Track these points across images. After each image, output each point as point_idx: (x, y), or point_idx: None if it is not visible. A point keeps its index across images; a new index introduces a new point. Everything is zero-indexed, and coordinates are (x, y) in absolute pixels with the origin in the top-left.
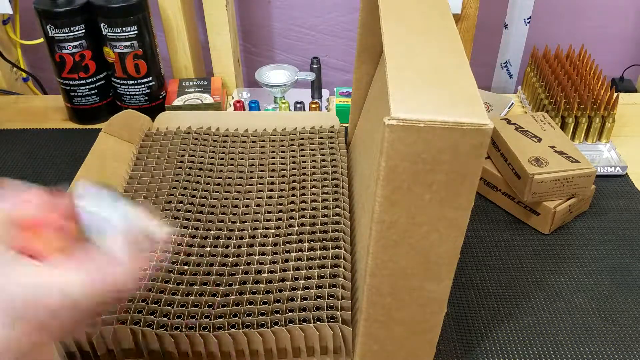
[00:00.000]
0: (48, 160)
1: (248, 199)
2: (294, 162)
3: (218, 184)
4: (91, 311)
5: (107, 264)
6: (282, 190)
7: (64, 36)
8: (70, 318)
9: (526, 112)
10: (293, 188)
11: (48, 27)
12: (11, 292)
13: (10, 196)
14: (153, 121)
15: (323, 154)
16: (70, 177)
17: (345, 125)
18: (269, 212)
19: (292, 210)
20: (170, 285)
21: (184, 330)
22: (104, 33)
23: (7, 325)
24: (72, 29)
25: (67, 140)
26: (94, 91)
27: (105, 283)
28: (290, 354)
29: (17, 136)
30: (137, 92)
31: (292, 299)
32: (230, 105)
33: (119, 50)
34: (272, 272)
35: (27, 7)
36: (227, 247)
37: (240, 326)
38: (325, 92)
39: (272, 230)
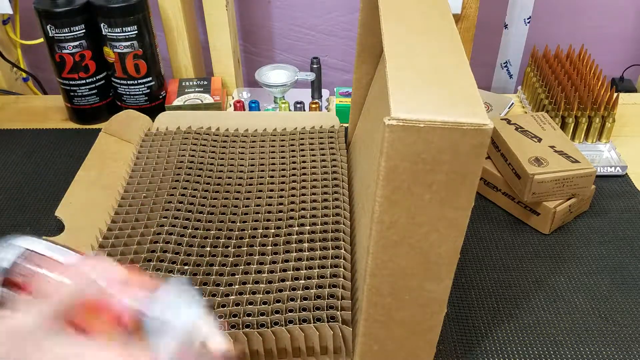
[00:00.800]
0: (48, 160)
1: (248, 199)
2: (294, 162)
3: (218, 184)
4: None
5: None
6: (282, 190)
7: (64, 36)
8: None
9: (526, 112)
10: (293, 188)
11: (48, 27)
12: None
13: (89, 270)
14: (153, 121)
15: (323, 154)
16: (71, 177)
17: (345, 125)
18: (269, 212)
19: (292, 210)
20: None
21: None
22: (104, 33)
23: None
24: (72, 29)
25: (67, 140)
26: (94, 91)
27: None
28: (290, 354)
29: (17, 136)
30: (137, 92)
31: (292, 299)
32: (230, 105)
33: (119, 50)
34: (272, 272)
35: (27, 7)
36: (227, 247)
37: (240, 326)
38: (325, 92)
39: (272, 230)
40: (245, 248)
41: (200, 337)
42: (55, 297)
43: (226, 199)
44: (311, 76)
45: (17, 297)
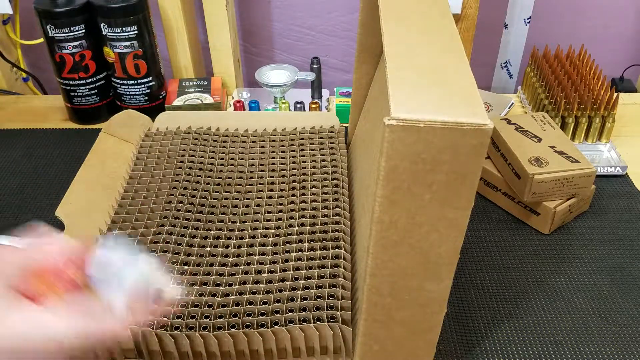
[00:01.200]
0: (48, 160)
1: (248, 199)
2: (294, 162)
3: (218, 184)
4: (79, 356)
5: (101, 315)
6: (282, 190)
7: (64, 36)
8: (62, 358)
9: (526, 112)
10: (293, 188)
11: (48, 27)
12: (4, 332)
13: (34, 243)
14: (153, 121)
15: (323, 154)
16: (71, 177)
17: (345, 125)
18: (269, 212)
19: (292, 210)
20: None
21: (184, 330)
22: (104, 33)
23: None
24: (72, 29)
25: (67, 140)
26: (94, 91)
27: (94, 333)
28: (290, 354)
29: (17, 136)
30: (137, 92)
31: (292, 299)
32: (230, 105)
33: (119, 50)
34: (272, 272)
35: (27, 7)
36: (227, 247)
37: (240, 326)
38: (325, 92)
39: (272, 230)
40: (245, 248)
41: (148, 286)
42: (5, 268)
43: (226, 199)
44: (311, 76)
45: None
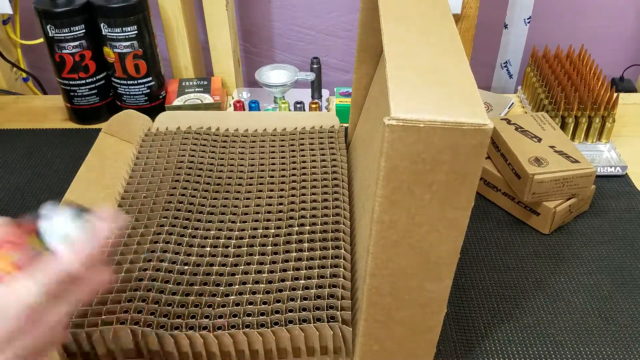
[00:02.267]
0: (48, 160)
1: (248, 199)
2: (294, 162)
3: (218, 184)
4: (57, 310)
5: (52, 261)
6: (282, 190)
7: (64, 36)
8: (38, 322)
9: (526, 112)
10: (293, 188)
11: (48, 27)
12: None
13: None
14: (153, 121)
15: (323, 154)
16: (70, 177)
17: (345, 125)
18: (269, 212)
19: (292, 210)
20: (170, 285)
21: (184, 330)
22: (103, 33)
23: None
24: (72, 29)
25: (67, 140)
26: (94, 91)
27: (54, 280)
28: (290, 354)
29: (17, 136)
30: (137, 92)
31: (292, 299)
32: (230, 105)
33: (119, 50)
34: (272, 272)
35: (27, 7)
36: (227, 247)
37: (240, 326)
38: (325, 92)
39: (272, 230)
40: (245, 248)
41: (89, 225)
42: None
43: (226, 199)
44: (311, 76)
45: None
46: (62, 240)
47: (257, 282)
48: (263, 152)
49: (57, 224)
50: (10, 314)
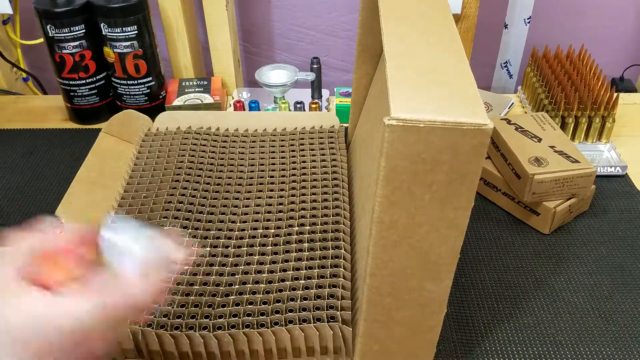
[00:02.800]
0: (48, 160)
1: (248, 199)
2: (294, 162)
3: (218, 184)
4: (106, 331)
5: (118, 286)
6: (282, 190)
7: (64, 36)
8: (81, 343)
9: (526, 112)
10: (293, 188)
11: (48, 27)
12: (17, 322)
13: (40, 231)
14: (153, 121)
15: (323, 154)
16: (70, 177)
17: (345, 125)
18: (269, 212)
19: (292, 210)
20: (170, 285)
21: (184, 330)
22: (104, 33)
23: (13, 355)
24: (72, 29)
25: (67, 140)
26: (94, 91)
27: (114, 304)
28: (290, 354)
29: (17, 136)
30: (137, 92)
31: (292, 299)
32: (230, 105)
33: (119, 50)
34: (272, 272)
35: (27, 7)
36: (227, 247)
37: (240, 326)
38: (325, 92)
39: (272, 230)
40: (245, 248)
41: (157, 251)
42: (16, 256)
43: (226, 199)
44: (311, 76)
45: None
46: (128, 262)
47: (257, 282)
48: (263, 152)
49: (124, 240)
50: (54, 325)
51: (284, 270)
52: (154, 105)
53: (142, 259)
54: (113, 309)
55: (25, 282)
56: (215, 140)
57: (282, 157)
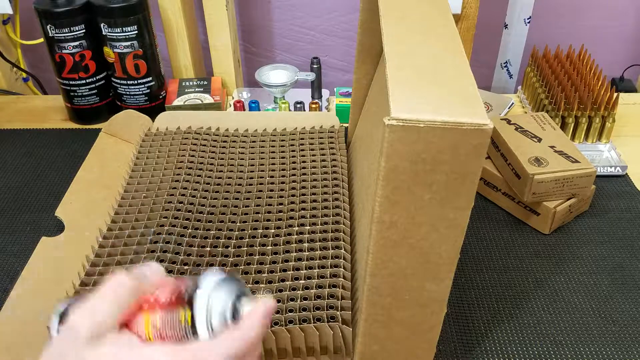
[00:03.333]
0: (48, 160)
1: (248, 199)
2: (294, 162)
3: (218, 184)
4: None
5: (199, 351)
6: (282, 190)
7: (64, 36)
8: None
9: (526, 112)
10: (293, 188)
11: (48, 27)
12: None
13: (145, 276)
14: (153, 121)
15: (323, 154)
16: (70, 177)
17: (345, 125)
18: (269, 212)
19: (292, 210)
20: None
21: None
22: (104, 33)
23: None
24: (72, 29)
25: (67, 140)
26: (94, 91)
27: None
28: (290, 354)
29: (17, 136)
30: (137, 92)
31: (292, 299)
32: (230, 105)
33: (119, 50)
34: (272, 272)
35: (27, 7)
36: (227, 247)
37: None
38: (325, 92)
39: (272, 230)
40: (245, 248)
41: (240, 315)
42: (119, 301)
43: (226, 199)
44: (311, 76)
45: None
46: (216, 324)
47: (257, 282)
48: (263, 152)
49: (217, 301)
50: None
51: (284, 270)
52: (154, 105)
53: (224, 324)
54: None
55: (118, 327)
56: (215, 140)
57: (282, 157)
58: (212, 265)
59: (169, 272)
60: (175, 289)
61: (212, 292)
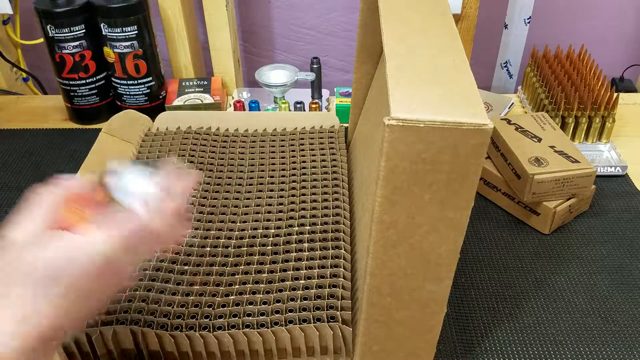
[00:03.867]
0: (48, 160)
1: (248, 199)
2: (294, 162)
3: (218, 184)
4: (125, 264)
5: (131, 219)
6: (282, 190)
7: (64, 36)
8: (108, 274)
9: (526, 112)
10: (293, 188)
11: (48, 27)
12: (46, 263)
13: (61, 182)
14: (153, 121)
15: (323, 154)
16: None
17: (345, 125)
18: (269, 212)
19: (292, 210)
20: (170, 285)
21: (184, 330)
22: (104, 33)
23: (43, 296)
24: (72, 29)
25: (67, 140)
26: (94, 91)
27: (131, 233)
28: (290, 354)
29: (17, 136)
30: (137, 92)
31: (292, 299)
32: (230, 105)
33: (119, 50)
34: (272, 272)
35: (27, 7)
36: (227, 247)
37: (240, 326)
38: (325, 92)
39: (272, 230)
40: (245, 248)
41: (163, 184)
42: (43, 206)
43: (226, 199)
44: (311, 76)
45: None
46: (136, 197)
47: (257, 282)
48: (263, 152)
49: (129, 180)
50: (81, 261)
51: (284, 270)
52: (154, 105)
53: (149, 193)
54: (131, 238)
55: (51, 231)
56: (215, 140)
57: (282, 157)
58: (212, 265)
59: (169, 272)
60: (99, 189)
61: (125, 175)
